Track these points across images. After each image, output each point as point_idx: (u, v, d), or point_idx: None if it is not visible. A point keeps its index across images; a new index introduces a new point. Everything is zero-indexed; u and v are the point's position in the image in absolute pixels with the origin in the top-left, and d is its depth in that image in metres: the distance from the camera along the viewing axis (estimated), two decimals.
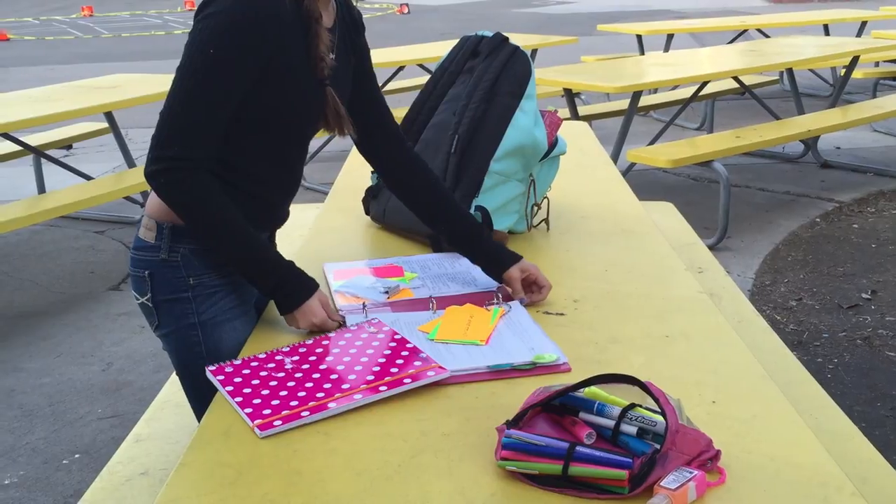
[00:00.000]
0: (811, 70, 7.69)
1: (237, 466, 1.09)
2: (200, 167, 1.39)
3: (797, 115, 5.52)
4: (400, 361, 1.33)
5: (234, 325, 1.52)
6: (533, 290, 1.59)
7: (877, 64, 7.49)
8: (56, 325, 3.61)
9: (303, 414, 1.19)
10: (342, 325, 1.48)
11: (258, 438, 1.15)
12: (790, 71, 5.74)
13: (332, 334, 1.45)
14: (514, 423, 1.10)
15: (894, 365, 3.05)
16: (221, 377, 1.32)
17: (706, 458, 1.03)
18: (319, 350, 1.39)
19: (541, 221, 2.00)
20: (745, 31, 7.74)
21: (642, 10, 16.74)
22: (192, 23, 1.41)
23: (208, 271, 1.50)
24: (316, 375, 1.30)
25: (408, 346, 1.38)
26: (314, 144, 5.89)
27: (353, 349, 1.38)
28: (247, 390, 1.27)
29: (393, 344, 1.39)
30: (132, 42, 14.56)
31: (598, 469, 1.01)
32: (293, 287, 1.46)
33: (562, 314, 1.53)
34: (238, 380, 1.30)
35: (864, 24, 7.87)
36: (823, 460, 1.07)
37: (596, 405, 1.10)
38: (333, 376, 1.29)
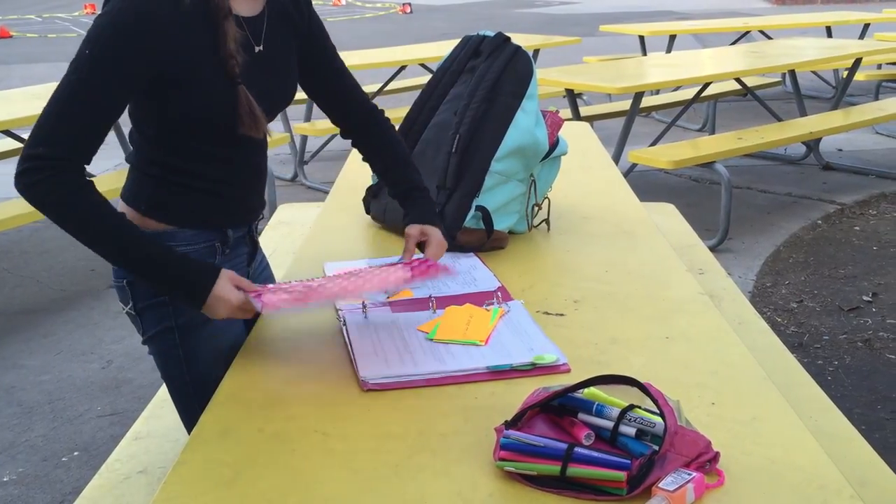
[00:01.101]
0: (813, 72, 7.69)
1: (234, 465, 1.09)
2: (67, 169, 1.31)
3: (799, 117, 5.51)
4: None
5: (212, 329, 1.47)
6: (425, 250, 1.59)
7: (879, 66, 7.49)
8: (56, 322, 3.61)
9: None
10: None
11: (256, 436, 1.15)
12: (792, 73, 5.73)
13: (462, 297, 1.52)
14: (512, 423, 1.10)
15: (895, 368, 3.05)
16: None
17: (705, 460, 1.03)
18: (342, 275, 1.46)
19: (541, 222, 1.99)
20: (747, 32, 7.73)
21: (645, 11, 16.73)
22: None
23: None
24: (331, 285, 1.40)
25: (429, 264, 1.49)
26: (315, 143, 5.90)
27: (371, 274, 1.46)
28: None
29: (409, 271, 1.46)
30: None
31: (596, 470, 1.00)
32: (193, 275, 1.36)
33: (562, 315, 1.52)
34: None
35: (866, 26, 7.86)
36: (822, 463, 1.07)
37: (595, 406, 1.10)
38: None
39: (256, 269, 1.65)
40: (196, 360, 1.48)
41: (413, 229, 1.59)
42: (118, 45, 1.31)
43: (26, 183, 1.30)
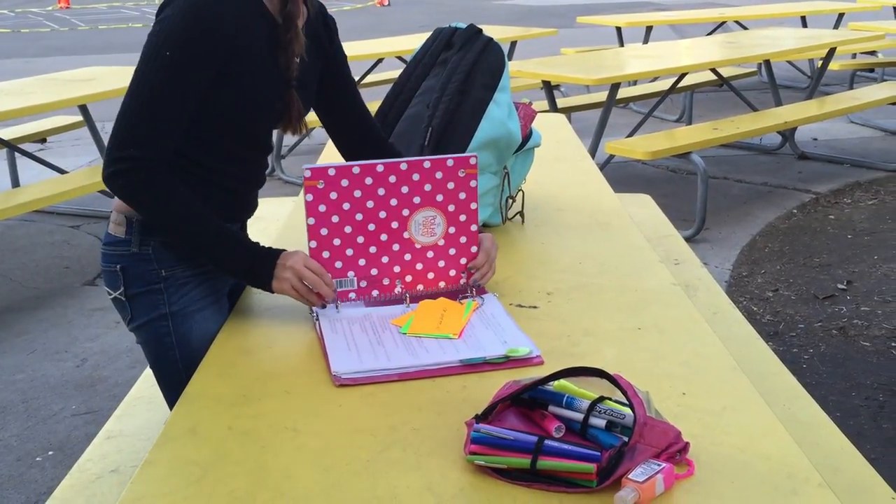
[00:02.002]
0: (789, 62, 7.73)
1: (203, 464, 1.07)
2: (158, 168, 1.39)
3: (775, 107, 5.55)
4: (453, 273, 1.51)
5: (204, 315, 1.53)
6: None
7: (854, 56, 7.55)
8: (30, 320, 3.57)
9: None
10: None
11: (225, 434, 1.14)
12: (768, 63, 5.77)
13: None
14: (483, 417, 1.10)
15: (869, 355, 3.08)
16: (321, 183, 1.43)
17: (675, 451, 1.03)
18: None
19: (516, 214, 1.99)
20: (723, 22, 7.77)
21: (622, 3, 16.76)
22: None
23: (180, 262, 1.52)
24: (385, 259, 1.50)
25: (472, 249, 1.53)
26: (291, 138, 5.87)
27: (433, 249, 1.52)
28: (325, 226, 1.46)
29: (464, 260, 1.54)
30: (109, 34, 14.41)
31: (566, 462, 1.00)
32: (265, 261, 1.45)
33: (535, 307, 1.52)
34: (323, 208, 1.45)
35: (841, 15, 7.92)
36: (792, 452, 1.07)
37: (565, 398, 1.09)
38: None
39: None
40: (188, 345, 1.51)
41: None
42: (196, 44, 1.37)
43: (120, 184, 1.40)
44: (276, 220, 2.32)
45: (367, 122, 1.72)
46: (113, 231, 1.53)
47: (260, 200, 3.03)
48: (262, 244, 1.48)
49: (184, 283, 1.52)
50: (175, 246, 1.51)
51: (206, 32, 1.37)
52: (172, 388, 1.52)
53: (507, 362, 1.31)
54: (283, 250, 1.46)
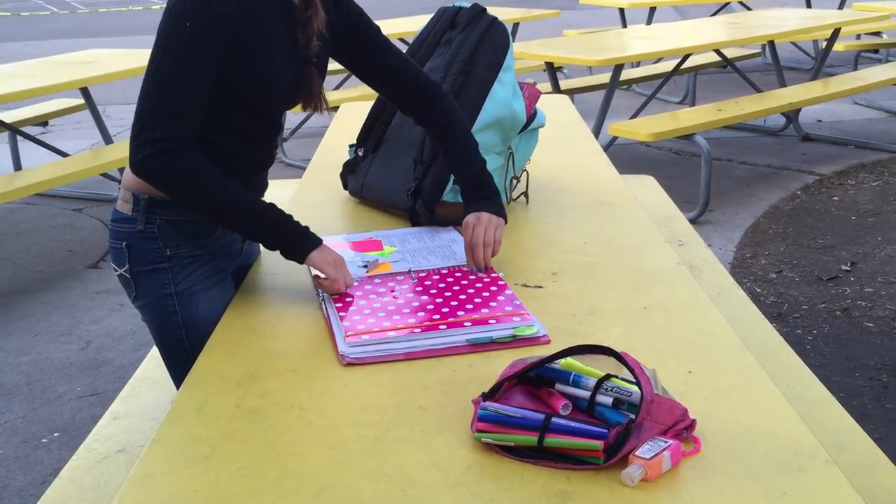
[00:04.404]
0: (793, 43, 7.68)
1: (211, 441, 1.08)
2: (187, 145, 1.38)
3: (778, 88, 5.52)
4: (493, 304, 1.40)
5: (209, 295, 1.53)
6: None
7: (858, 36, 7.50)
8: (34, 303, 3.58)
9: (389, 333, 1.30)
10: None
11: (233, 412, 1.14)
12: (772, 44, 5.73)
13: (444, 270, 1.54)
14: (489, 395, 1.10)
15: (873, 336, 3.08)
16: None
17: (681, 428, 1.03)
18: (428, 282, 1.50)
19: (520, 195, 1.99)
20: (727, 3, 7.71)
21: None
22: None
23: (185, 242, 1.51)
24: (415, 303, 1.41)
25: (507, 292, 1.45)
26: (294, 120, 5.86)
27: (458, 286, 1.48)
28: (349, 301, 1.43)
29: (494, 288, 1.47)
30: (109, 17, 14.34)
31: (573, 440, 1.00)
32: (301, 235, 1.48)
33: (540, 287, 1.52)
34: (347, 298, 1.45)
35: None
36: (798, 429, 1.07)
37: (572, 376, 1.09)
38: (430, 306, 1.40)
39: (248, 246, 1.67)
40: (195, 324, 1.51)
41: (470, 218, 1.61)
42: (214, 16, 1.35)
43: (156, 166, 1.37)
44: (279, 203, 2.31)
45: (402, 73, 1.67)
46: (120, 208, 1.52)
47: None
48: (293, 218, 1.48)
49: (189, 263, 1.52)
50: (181, 225, 1.50)
51: (227, 3, 1.36)
52: (179, 367, 1.53)
53: (514, 341, 1.32)
54: (316, 237, 1.48)
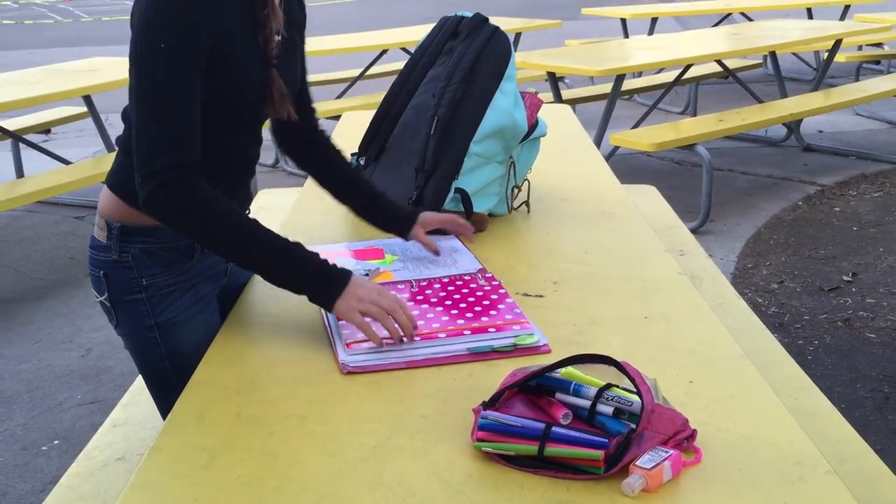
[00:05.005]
0: (794, 54, 7.70)
1: (211, 450, 1.08)
2: (192, 172, 1.29)
3: (780, 99, 5.53)
4: (494, 313, 1.39)
5: (193, 325, 1.47)
6: (459, 232, 1.68)
7: (860, 47, 7.51)
8: (35, 310, 3.58)
9: (389, 342, 1.29)
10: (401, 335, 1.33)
11: (233, 420, 1.14)
12: (773, 54, 5.74)
13: (444, 279, 1.53)
14: (490, 404, 1.10)
15: (874, 346, 3.07)
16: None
17: (682, 438, 1.03)
18: (429, 291, 1.49)
19: (521, 204, 1.99)
20: (728, 14, 7.73)
21: None
22: None
23: (162, 270, 1.44)
24: (415, 312, 1.39)
25: (507, 300, 1.44)
26: None
27: (458, 295, 1.47)
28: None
29: (494, 297, 1.46)
30: (112, 26, 14.39)
31: (573, 449, 1.00)
32: (329, 273, 1.33)
33: (541, 296, 1.52)
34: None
35: (847, 7, 7.88)
36: (799, 439, 1.07)
37: (572, 386, 1.09)
38: (430, 315, 1.39)
39: (233, 266, 1.59)
40: (179, 355, 1.45)
41: (416, 231, 1.65)
42: (187, 27, 1.27)
43: (159, 201, 1.28)
44: (281, 211, 2.32)
45: (308, 93, 1.63)
46: (96, 234, 1.46)
47: (262, 191, 3.05)
48: (328, 260, 1.35)
49: (168, 293, 1.45)
50: (156, 254, 1.43)
51: (193, 8, 1.27)
52: (164, 398, 1.48)
53: (515, 350, 1.31)
54: (351, 273, 1.35)
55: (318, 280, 1.33)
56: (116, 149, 1.50)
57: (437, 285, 1.52)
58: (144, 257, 1.43)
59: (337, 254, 1.71)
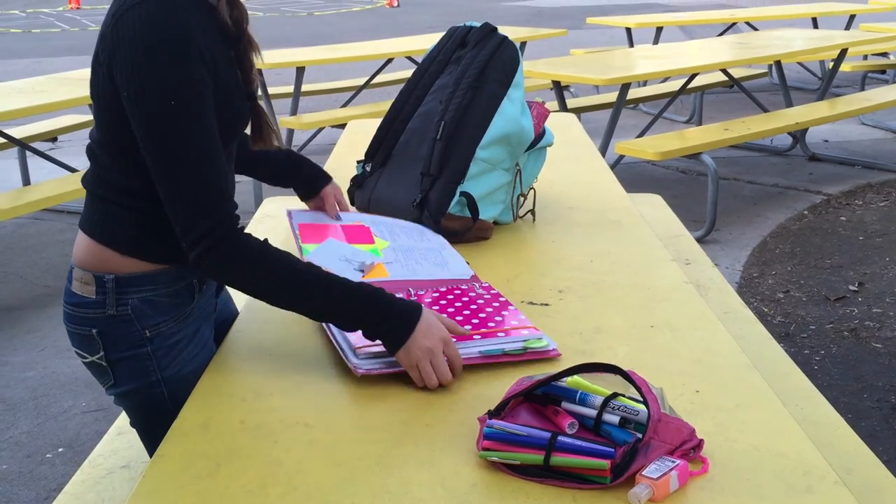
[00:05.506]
0: (800, 63, 7.71)
1: (216, 458, 1.07)
2: (234, 227, 1.24)
3: (785, 108, 5.52)
4: (499, 318, 1.40)
5: (199, 373, 1.33)
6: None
7: (865, 57, 7.52)
8: (40, 318, 3.58)
9: None
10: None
11: (237, 428, 1.14)
12: (779, 64, 5.74)
13: (441, 289, 1.51)
14: (495, 412, 1.09)
15: (881, 356, 3.06)
16: None
17: (689, 448, 1.02)
18: (428, 300, 1.48)
19: (527, 212, 1.99)
20: (734, 24, 7.75)
21: (632, 4, 16.73)
22: None
23: (164, 318, 1.35)
24: None
25: (510, 308, 1.44)
26: (302, 137, 5.88)
27: (459, 303, 1.46)
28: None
29: (496, 304, 1.46)
30: None
31: (579, 459, 1.00)
32: (398, 313, 1.24)
33: (546, 304, 1.52)
34: None
35: (852, 17, 7.89)
36: (806, 449, 1.06)
37: (578, 394, 1.09)
38: None
39: (221, 300, 1.56)
40: (183, 403, 1.34)
41: (329, 189, 1.74)
42: (190, 79, 1.20)
43: (211, 262, 1.23)
44: (284, 220, 2.32)
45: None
46: (79, 291, 1.33)
47: (268, 199, 3.05)
48: (391, 296, 1.26)
49: (174, 343, 1.36)
50: (157, 301, 1.34)
51: (187, 49, 1.20)
52: (158, 438, 1.32)
53: (525, 354, 1.31)
54: (415, 306, 1.25)
55: (390, 326, 1.24)
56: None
57: (435, 294, 1.51)
58: (145, 307, 1.34)
59: (324, 227, 1.73)
